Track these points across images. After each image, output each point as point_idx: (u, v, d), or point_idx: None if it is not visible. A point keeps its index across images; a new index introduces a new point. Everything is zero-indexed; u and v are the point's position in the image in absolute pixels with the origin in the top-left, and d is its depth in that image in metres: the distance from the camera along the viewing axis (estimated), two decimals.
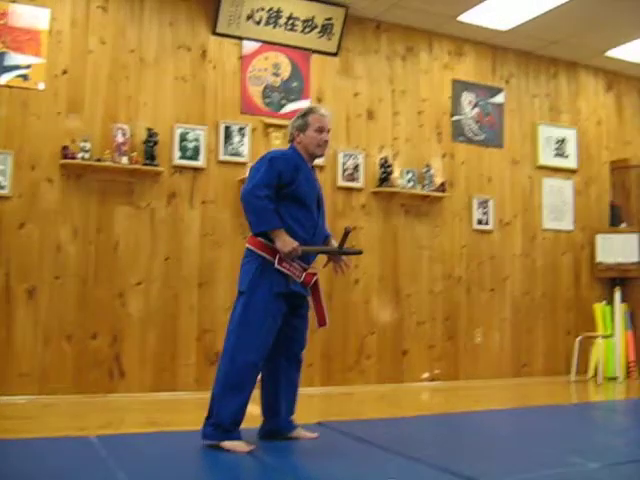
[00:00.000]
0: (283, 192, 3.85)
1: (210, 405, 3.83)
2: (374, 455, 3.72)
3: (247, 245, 3.95)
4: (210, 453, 3.69)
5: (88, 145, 5.64)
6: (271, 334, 3.83)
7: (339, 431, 4.32)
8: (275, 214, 3.78)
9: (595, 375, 7.37)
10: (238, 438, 3.75)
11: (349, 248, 4.09)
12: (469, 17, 6.86)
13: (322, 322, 4.00)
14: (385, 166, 6.74)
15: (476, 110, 7.39)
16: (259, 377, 3.93)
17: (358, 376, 6.56)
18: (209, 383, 5.87)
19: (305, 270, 3.90)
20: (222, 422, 3.74)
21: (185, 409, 5.33)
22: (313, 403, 5.84)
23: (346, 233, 3.92)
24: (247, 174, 3.99)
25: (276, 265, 3.79)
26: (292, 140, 4.07)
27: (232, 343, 3.79)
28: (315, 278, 3.97)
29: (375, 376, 6.64)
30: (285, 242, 3.75)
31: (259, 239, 3.85)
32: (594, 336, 7.49)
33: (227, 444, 3.71)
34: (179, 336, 5.95)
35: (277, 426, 4.07)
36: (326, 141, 4.05)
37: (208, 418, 3.82)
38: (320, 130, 4.01)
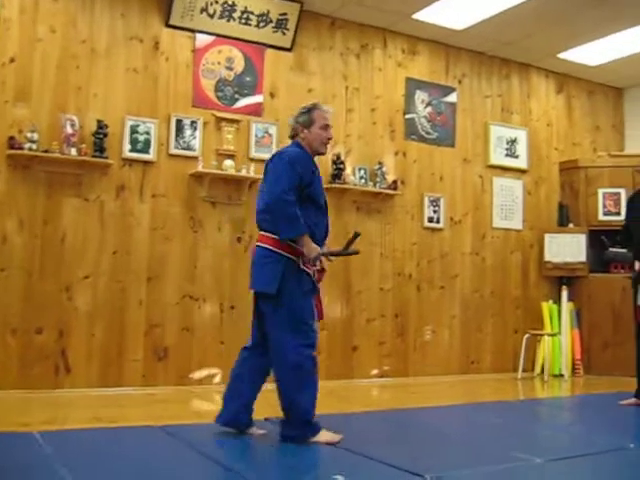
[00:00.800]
0: (302, 194, 3.86)
1: (286, 408, 3.85)
2: (321, 451, 3.72)
3: (264, 245, 3.91)
4: (154, 449, 3.66)
5: (36, 136, 5.52)
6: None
7: None
8: (301, 219, 3.79)
9: (542, 372, 7.48)
10: (321, 429, 3.84)
11: (349, 249, 4.17)
12: (424, 16, 6.89)
13: (321, 316, 4.08)
14: (337, 163, 6.74)
15: (429, 109, 7.44)
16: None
17: None
18: (156, 379, 5.89)
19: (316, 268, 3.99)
20: (307, 419, 3.80)
21: (131, 405, 5.27)
22: (262, 399, 5.79)
23: (355, 236, 4.03)
24: (266, 175, 3.95)
25: (302, 266, 3.86)
26: (294, 136, 4.07)
27: (290, 343, 3.79)
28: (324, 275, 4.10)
29: (325, 372, 6.58)
30: (311, 248, 3.82)
31: (280, 241, 3.85)
32: (541, 334, 7.60)
33: (322, 437, 3.79)
34: (127, 331, 5.87)
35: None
36: (330, 138, 4.10)
37: (287, 422, 3.86)
38: (325, 127, 4.04)
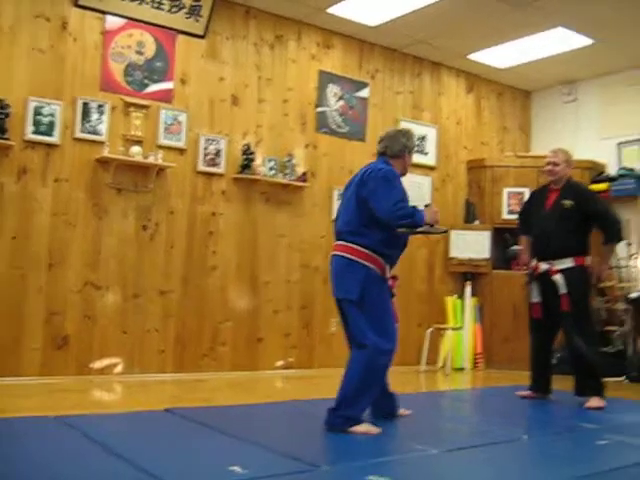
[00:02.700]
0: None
1: (341, 398, 4.00)
2: (219, 442, 3.70)
3: (346, 255, 4.07)
4: (47, 440, 3.56)
5: None
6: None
7: (187, 418, 4.27)
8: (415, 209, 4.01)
9: (444, 365, 7.63)
10: (363, 421, 4.04)
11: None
12: (339, 10, 6.91)
13: (396, 319, 4.26)
14: (247, 153, 6.70)
15: (341, 103, 7.48)
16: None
17: (212, 363, 6.51)
18: (56, 368, 5.74)
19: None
20: (355, 415, 3.99)
21: (27, 395, 5.11)
22: (164, 389, 5.75)
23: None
24: (370, 191, 4.09)
25: (386, 276, 4.13)
26: (395, 156, 4.29)
27: (373, 342, 3.97)
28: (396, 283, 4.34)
29: (229, 363, 6.61)
30: (429, 213, 4.01)
31: (363, 250, 4.03)
32: (444, 328, 7.76)
33: (359, 429, 3.95)
34: (25, 319, 5.69)
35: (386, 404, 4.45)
36: None
37: (336, 410, 3.99)
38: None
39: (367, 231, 4.06)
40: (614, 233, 5.34)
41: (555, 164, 5.46)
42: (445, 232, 4.57)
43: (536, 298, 5.51)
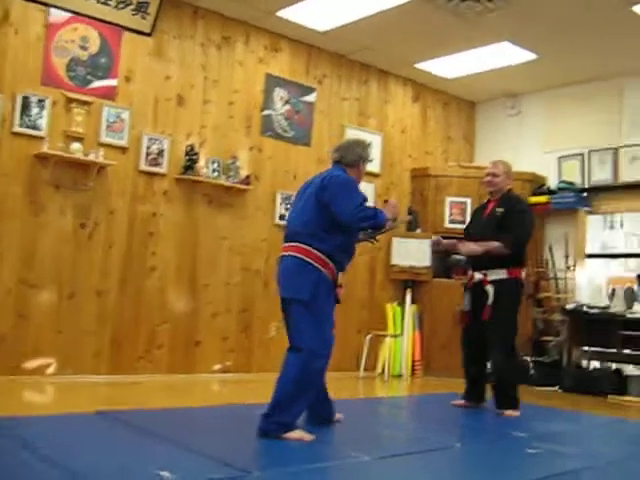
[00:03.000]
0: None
1: (274, 404, 3.97)
2: (150, 446, 3.65)
3: (300, 255, 4.08)
4: None
5: None
6: None
7: (118, 420, 4.22)
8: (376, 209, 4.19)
9: (382, 372, 7.66)
10: (297, 428, 4.00)
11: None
12: (288, 14, 6.90)
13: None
14: (191, 154, 6.64)
15: (287, 107, 7.46)
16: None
17: (148, 365, 6.42)
18: None
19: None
20: (289, 421, 3.96)
21: None
22: (98, 391, 5.66)
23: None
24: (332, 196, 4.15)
25: (337, 282, 4.23)
26: (349, 165, 4.32)
27: (309, 346, 3.99)
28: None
29: (166, 366, 6.53)
30: (390, 209, 4.28)
31: (319, 255, 4.06)
32: (384, 335, 7.79)
33: (293, 435, 3.92)
34: None
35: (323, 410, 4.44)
36: None
37: (269, 416, 3.95)
38: None
39: (327, 236, 4.09)
40: (509, 244, 5.28)
41: (495, 175, 5.51)
42: (410, 218, 4.68)
43: (467, 307, 5.53)
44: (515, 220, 5.38)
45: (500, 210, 5.41)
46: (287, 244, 4.20)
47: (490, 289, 5.29)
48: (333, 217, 4.07)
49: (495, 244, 5.24)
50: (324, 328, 4.09)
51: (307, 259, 4.06)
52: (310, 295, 4.01)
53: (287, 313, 4.19)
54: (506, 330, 5.31)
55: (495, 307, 5.24)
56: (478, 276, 5.42)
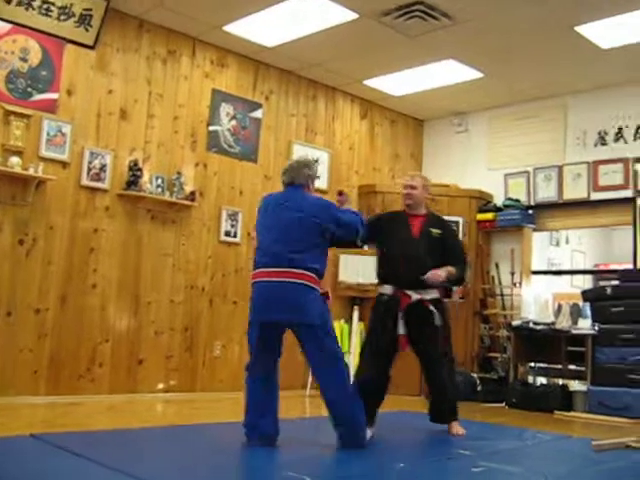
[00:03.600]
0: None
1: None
2: (85, 471, 3.51)
3: (305, 282, 4.24)
4: None
5: None
6: None
7: (54, 444, 4.05)
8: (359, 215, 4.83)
9: None
10: None
11: None
12: (235, 28, 6.85)
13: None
14: (134, 169, 6.52)
15: (233, 122, 7.39)
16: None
17: (89, 385, 6.26)
18: None
19: None
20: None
21: None
22: (36, 413, 5.48)
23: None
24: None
25: (329, 302, 4.44)
26: (302, 186, 4.51)
27: (342, 368, 4.44)
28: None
29: (107, 385, 6.37)
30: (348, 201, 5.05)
31: (316, 278, 4.29)
32: None
33: None
34: None
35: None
36: None
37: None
38: None
39: (323, 258, 4.39)
40: (462, 276, 5.27)
41: (413, 187, 5.29)
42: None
43: (402, 331, 5.01)
44: (456, 243, 5.47)
45: (437, 232, 5.25)
46: (277, 269, 4.26)
47: (434, 309, 5.11)
48: (329, 239, 4.42)
49: (452, 269, 5.13)
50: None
51: (311, 285, 4.26)
52: (327, 317, 4.36)
53: (276, 336, 4.43)
54: (449, 346, 5.28)
55: (437, 326, 5.11)
56: (416, 296, 5.05)
